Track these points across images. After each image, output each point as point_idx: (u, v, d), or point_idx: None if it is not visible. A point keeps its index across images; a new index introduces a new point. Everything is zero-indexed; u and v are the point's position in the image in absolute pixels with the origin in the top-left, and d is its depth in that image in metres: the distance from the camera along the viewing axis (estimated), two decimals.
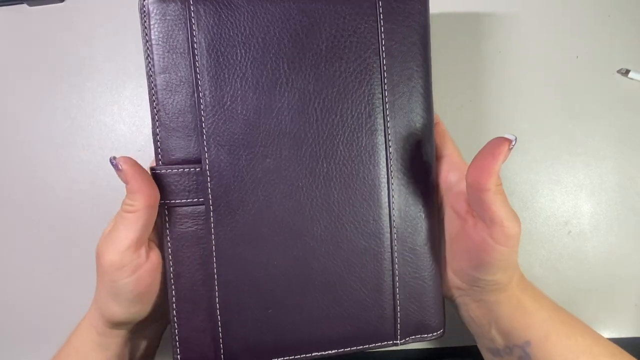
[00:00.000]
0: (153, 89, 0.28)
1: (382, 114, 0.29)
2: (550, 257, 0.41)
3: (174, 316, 0.29)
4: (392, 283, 0.30)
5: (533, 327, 0.29)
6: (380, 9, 0.29)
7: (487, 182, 0.25)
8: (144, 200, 0.26)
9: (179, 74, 0.28)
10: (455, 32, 0.41)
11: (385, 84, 0.29)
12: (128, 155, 0.27)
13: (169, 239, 0.29)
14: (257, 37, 0.28)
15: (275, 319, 0.29)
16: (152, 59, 0.28)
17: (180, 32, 0.28)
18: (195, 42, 0.28)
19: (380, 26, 0.29)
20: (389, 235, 0.30)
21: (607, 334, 0.40)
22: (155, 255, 0.29)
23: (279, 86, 0.28)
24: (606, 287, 0.41)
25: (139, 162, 0.28)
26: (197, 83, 0.28)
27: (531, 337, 0.28)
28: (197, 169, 0.28)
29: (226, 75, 0.28)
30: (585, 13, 0.41)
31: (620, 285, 0.41)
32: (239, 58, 0.28)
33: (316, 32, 0.28)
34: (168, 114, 0.28)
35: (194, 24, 0.28)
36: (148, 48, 0.28)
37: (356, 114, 0.29)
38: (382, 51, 0.29)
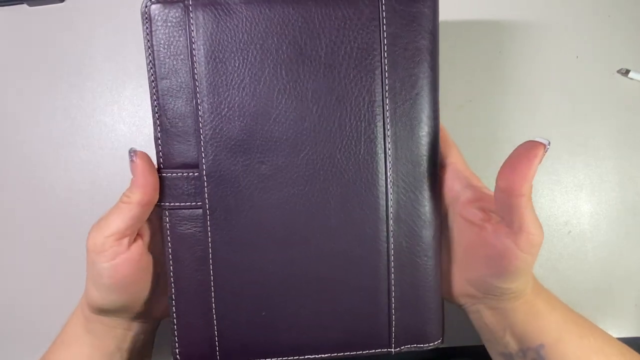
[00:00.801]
0: (155, 94, 0.28)
1: (382, 122, 0.29)
2: (550, 257, 0.41)
3: (173, 313, 0.30)
4: (387, 291, 0.30)
5: (547, 330, 0.28)
6: (384, 13, 0.28)
7: (522, 187, 0.25)
8: (141, 196, 0.28)
9: (180, 80, 0.28)
10: (455, 32, 0.41)
11: (386, 91, 0.29)
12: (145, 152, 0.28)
13: (169, 239, 0.30)
14: (255, 43, 0.28)
15: (269, 321, 0.30)
16: (154, 64, 0.28)
17: (182, 38, 0.28)
18: (194, 49, 0.28)
19: (383, 31, 0.28)
20: (385, 244, 0.30)
21: None
22: (137, 248, 0.29)
23: (277, 93, 0.28)
24: (606, 287, 0.41)
25: None
26: (195, 89, 0.28)
27: (545, 339, 0.28)
28: (196, 174, 0.29)
29: (224, 82, 0.28)
30: (585, 13, 0.41)
31: (620, 285, 0.41)
32: (237, 64, 0.28)
33: (315, 38, 0.28)
34: (169, 118, 0.29)
35: (193, 30, 0.28)
36: (150, 53, 0.28)
37: (355, 122, 0.29)
38: (384, 57, 0.28)
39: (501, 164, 0.27)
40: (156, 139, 0.29)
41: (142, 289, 0.30)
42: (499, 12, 0.41)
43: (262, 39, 0.28)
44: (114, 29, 0.40)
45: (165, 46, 0.28)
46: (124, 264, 0.28)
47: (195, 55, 0.28)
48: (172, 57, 0.28)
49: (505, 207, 0.26)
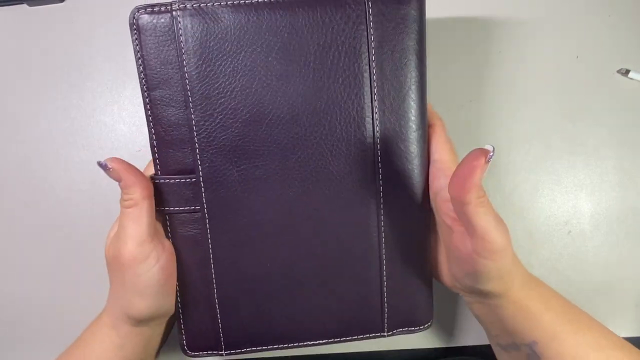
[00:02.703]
0: (148, 103, 0.29)
1: (371, 123, 0.29)
2: (550, 257, 0.41)
3: (179, 310, 0.32)
4: (379, 280, 0.32)
5: (539, 328, 0.28)
6: (370, 17, 0.28)
7: (466, 195, 0.25)
8: (141, 190, 0.28)
9: (172, 89, 0.29)
10: (455, 32, 0.41)
11: (375, 93, 0.29)
12: (119, 157, 0.28)
13: (171, 241, 0.31)
14: (245, 50, 0.28)
15: (268, 312, 0.32)
16: (146, 74, 0.28)
17: (171, 47, 0.28)
18: (184, 57, 0.28)
19: (370, 34, 0.28)
20: (377, 237, 0.31)
21: None
22: (169, 243, 0.30)
23: (268, 98, 0.29)
24: (606, 287, 0.41)
25: (139, 161, 0.30)
26: (188, 97, 0.28)
27: (538, 337, 0.28)
28: (193, 179, 0.29)
29: (216, 89, 0.28)
30: (585, 13, 0.41)
31: (620, 285, 0.41)
32: (228, 71, 0.28)
33: (304, 43, 0.28)
34: (163, 127, 0.29)
35: (182, 39, 0.28)
36: (141, 64, 0.28)
37: (345, 124, 0.29)
38: (372, 60, 0.29)
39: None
40: (152, 147, 0.29)
41: (176, 282, 0.31)
42: (499, 11, 0.41)
43: (251, 46, 0.28)
44: (114, 29, 0.40)
45: (156, 56, 0.28)
46: (168, 262, 0.29)
47: (185, 64, 0.28)
48: (162, 67, 0.28)
49: (458, 214, 0.27)
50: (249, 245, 0.30)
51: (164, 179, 0.29)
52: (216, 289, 0.31)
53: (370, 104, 0.29)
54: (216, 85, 0.28)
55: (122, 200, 0.28)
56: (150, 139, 0.29)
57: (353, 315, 0.32)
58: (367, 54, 0.29)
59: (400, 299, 0.32)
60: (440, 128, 0.32)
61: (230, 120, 0.29)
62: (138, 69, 0.28)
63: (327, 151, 0.29)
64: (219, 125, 0.29)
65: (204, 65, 0.28)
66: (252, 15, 0.28)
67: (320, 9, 0.28)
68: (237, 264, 0.31)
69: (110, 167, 0.27)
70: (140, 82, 0.29)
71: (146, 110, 0.29)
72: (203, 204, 0.30)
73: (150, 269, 0.28)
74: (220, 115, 0.29)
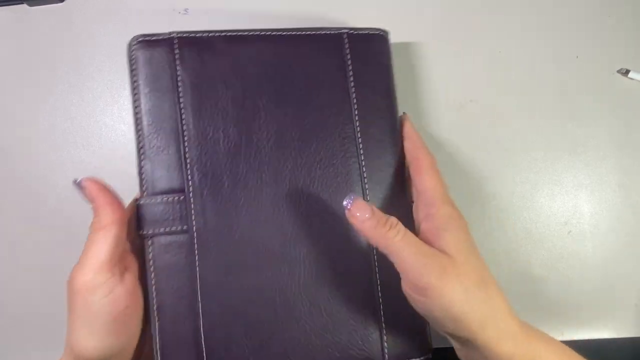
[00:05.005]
0: (140, 126, 0.29)
1: (354, 143, 0.31)
2: (550, 257, 0.41)
3: (157, 346, 0.28)
4: (377, 307, 0.30)
5: None
6: (348, 50, 0.31)
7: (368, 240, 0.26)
8: (112, 212, 0.26)
9: (164, 111, 0.29)
10: (455, 31, 0.41)
11: (356, 115, 0.31)
12: (94, 177, 0.28)
13: (152, 269, 0.29)
14: (237, 76, 0.30)
15: (261, 346, 0.29)
16: (140, 100, 0.29)
17: (165, 73, 0.29)
18: (180, 81, 0.29)
19: (348, 65, 0.31)
20: (370, 257, 0.31)
21: (607, 334, 0.40)
22: (130, 277, 0.27)
23: (258, 119, 0.30)
24: (606, 287, 0.41)
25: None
26: (181, 117, 0.29)
27: None
28: (181, 198, 0.29)
29: (208, 110, 0.29)
30: (585, 13, 0.41)
31: (620, 285, 0.41)
32: (220, 94, 0.30)
33: (290, 72, 0.30)
34: (152, 147, 0.29)
35: (178, 64, 0.29)
36: (136, 91, 0.29)
37: (331, 143, 0.31)
38: (352, 87, 0.31)
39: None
40: (139, 167, 0.29)
41: (136, 326, 0.28)
42: (499, 11, 0.41)
43: (243, 72, 0.30)
44: (114, 29, 0.40)
45: (151, 82, 0.29)
46: (122, 297, 0.26)
47: (180, 87, 0.29)
48: (156, 91, 0.29)
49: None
50: (240, 268, 0.29)
51: (150, 199, 0.29)
52: (202, 320, 0.28)
53: (352, 125, 0.31)
54: (208, 107, 0.29)
55: (91, 224, 0.27)
56: (139, 160, 0.29)
57: (351, 346, 0.30)
58: (347, 81, 0.31)
59: (398, 327, 0.31)
60: (426, 161, 0.30)
61: (222, 139, 0.29)
62: (132, 94, 0.30)
63: (315, 168, 0.30)
64: (210, 143, 0.29)
65: (198, 89, 0.29)
66: (245, 46, 0.30)
67: (303, 45, 0.31)
68: (227, 290, 0.29)
69: (84, 185, 0.27)
70: (134, 107, 0.29)
71: (137, 133, 0.29)
72: (192, 222, 0.29)
73: (100, 298, 0.25)
74: (212, 133, 0.29)
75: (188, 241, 0.29)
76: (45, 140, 0.40)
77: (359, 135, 0.31)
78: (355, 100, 0.31)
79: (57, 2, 0.40)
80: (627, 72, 0.40)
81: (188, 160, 0.29)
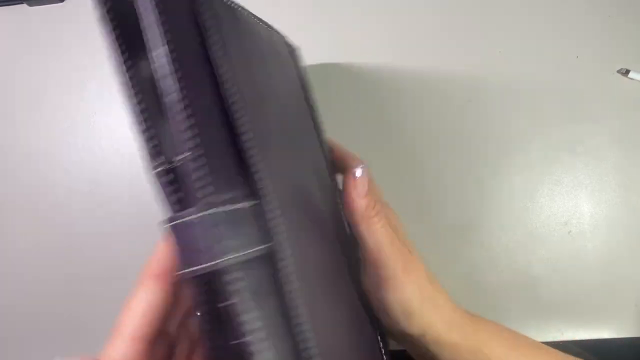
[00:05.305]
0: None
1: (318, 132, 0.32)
2: (550, 257, 0.41)
3: None
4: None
5: None
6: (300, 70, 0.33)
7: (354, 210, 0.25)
8: None
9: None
10: (455, 31, 0.41)
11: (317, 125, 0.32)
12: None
13: None
14: (264, 56, 0.26)
15: None
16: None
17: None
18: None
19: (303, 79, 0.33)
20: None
21: (607, 334, 0.40)
22: None
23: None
24: (606, 287, 0.41)
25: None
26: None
27: None
28: (257, 202, 0.18)
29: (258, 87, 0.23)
30: (585, 13, 0.41)
31: (620, 285, 0.41)
32: (261, 72, 0.24)
33: (282, 64, 0.30)
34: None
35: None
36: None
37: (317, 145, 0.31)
38: (310, 100, 0.33)
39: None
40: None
41: None
42: (499, 11, 0.41)
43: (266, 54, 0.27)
44: None
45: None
46: None
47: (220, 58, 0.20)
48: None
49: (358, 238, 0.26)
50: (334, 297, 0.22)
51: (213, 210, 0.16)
52: None
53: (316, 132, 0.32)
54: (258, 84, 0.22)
55: None
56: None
57: None
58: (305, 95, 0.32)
59: None
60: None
61: (276, 118, 0.23)
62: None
63: (320, 169, 0.30)
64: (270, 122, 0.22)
65: (243, 60, 0.21)
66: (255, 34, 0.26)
67: (277, 48, 0.30)
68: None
69: None
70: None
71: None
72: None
73: None
74: (266, 111, 0.22)
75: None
76: (45, 140, 0.40)
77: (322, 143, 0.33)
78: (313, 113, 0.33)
79: (57, 2, 0.40)
80: (627, 72, 0.40)
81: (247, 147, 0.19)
